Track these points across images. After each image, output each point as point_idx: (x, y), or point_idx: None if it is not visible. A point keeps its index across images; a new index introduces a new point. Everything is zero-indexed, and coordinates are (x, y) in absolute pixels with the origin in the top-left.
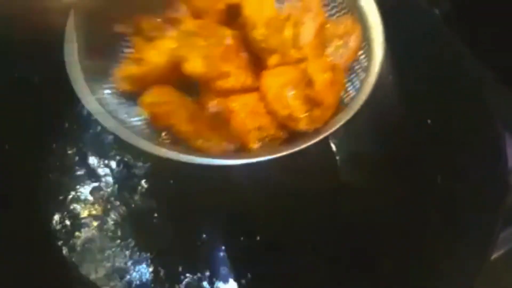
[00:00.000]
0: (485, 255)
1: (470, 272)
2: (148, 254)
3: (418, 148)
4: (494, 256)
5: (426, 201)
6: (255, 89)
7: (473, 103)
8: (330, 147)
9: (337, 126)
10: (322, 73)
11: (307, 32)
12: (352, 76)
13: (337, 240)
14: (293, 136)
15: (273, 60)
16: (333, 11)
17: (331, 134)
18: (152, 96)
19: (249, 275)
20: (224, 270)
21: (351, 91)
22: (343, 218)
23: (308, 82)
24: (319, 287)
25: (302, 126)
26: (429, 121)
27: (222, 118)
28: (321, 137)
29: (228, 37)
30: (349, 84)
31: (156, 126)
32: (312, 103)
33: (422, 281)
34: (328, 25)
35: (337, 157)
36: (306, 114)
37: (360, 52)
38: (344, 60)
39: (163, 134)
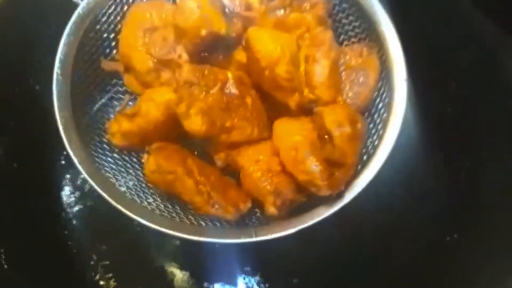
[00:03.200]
0: None
1: None
2: None
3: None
4: None
5: None
6: (265, 139)
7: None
8: None
9: (363, 186)
10: (341, 127)
11: (321, 71)
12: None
13: None
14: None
15: (294, 99)
16: (344, 35)
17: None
18: (154, 163)
19: None
20: None
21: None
22: None
23: (323, 137)
24: None
25: (325, 192)
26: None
27: (232, 173)
28: (345, 202)
29: (230, 82)
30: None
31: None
32: (333, 165)
33: None
34: (342, 58)
35: None
36: (328, 179)
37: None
38: (361, 100)
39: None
